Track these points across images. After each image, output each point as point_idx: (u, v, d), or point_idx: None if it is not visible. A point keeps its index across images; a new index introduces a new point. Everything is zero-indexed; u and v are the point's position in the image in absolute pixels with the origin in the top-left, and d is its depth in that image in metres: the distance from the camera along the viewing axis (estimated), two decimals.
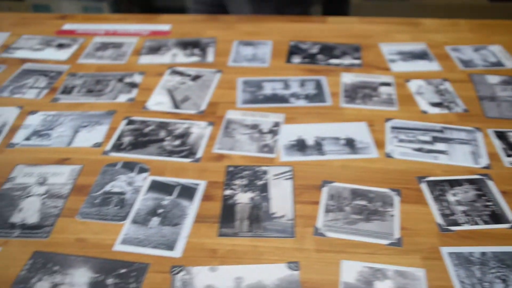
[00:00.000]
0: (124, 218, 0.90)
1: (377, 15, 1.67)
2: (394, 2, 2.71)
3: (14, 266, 0.82)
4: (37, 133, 1.11)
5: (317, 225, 0.88)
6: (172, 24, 1.58)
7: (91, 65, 1.36)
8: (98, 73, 1.32)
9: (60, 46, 1.46)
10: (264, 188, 0.96)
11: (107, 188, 0.96)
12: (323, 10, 2.58)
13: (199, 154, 1.04)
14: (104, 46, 1.45)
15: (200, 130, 1.11)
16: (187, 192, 0.95)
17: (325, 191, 0.95)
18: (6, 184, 0.97)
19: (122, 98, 1.22)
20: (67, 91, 1.25)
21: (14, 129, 1.12)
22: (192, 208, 0.92)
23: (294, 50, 1.43)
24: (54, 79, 1.30)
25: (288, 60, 1.38)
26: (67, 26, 1.57)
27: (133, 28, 1.54)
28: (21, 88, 1.27)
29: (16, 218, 0.90)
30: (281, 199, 0.94)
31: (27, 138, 1.10)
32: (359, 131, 1.10)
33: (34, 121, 1.15)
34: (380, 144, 1.06)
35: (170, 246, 0.85)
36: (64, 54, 1.41)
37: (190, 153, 1.05)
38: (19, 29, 1.56)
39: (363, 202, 0.93)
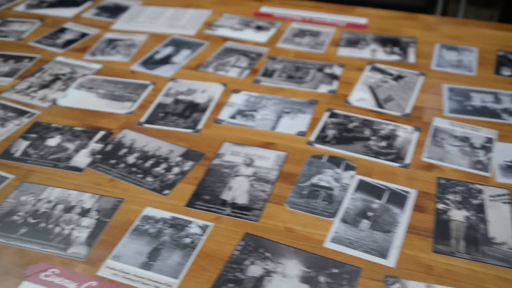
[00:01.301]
0: (333, 215, 0.87)
1: None
2: None
3: (227, 244, 0.83)
4: (241, 113, 1.12)
5: None
6: (368, 18, 1.53)
7: (290, 51, 1.36)
8: (297, 59, 1.31)
9: (259, 28, 1.46)
10: (480, 209, 0.89)
11: (314, 180, 0.94)
12: None
13: (407, 160, 0.99)
14: (301, 33, 1.43)
15: (406, 134, 1.05)
16: (397, 198, 0.91)
17: None
18: (215, 159, 0.99)
19: (323, 88, 1.19)
20: (268, 74, 1.25)
21: (219, 105, 1.14)
22: (404, 217, 0.87)
23: (503, 61, 1.32)
24: (255, 60, 1.31)
25: (497, 72, 1.27)
26: (264, 9, 1.58)
27: (329, 18, 1.52)
28: (224, 66, 1.29)
29: (226, 195, 0.91)
30: (500, 224, 0.86)
31: (232, 116, 1.11)
32: None
33: (238, 99, 1.16)
34: None
35: (383, 254, 0.81)
36: (263, 37, 1.42)
37: (398, 157, 1.00)
38: (220, 7, 1.60)
39: None
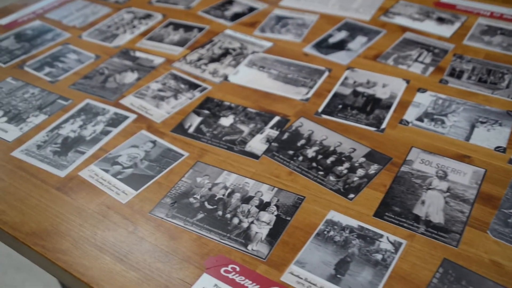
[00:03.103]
0: None
1: None
2: None
3: (423, 268, 0.73)
4: (429, 116, 1.00)
5: None
6: None
7: (480, 50, 1.21)
8: (488, 61, 1.16)
9: (440, 20, 1.32)
10: None
11: None
12: None
13: None
14: (491, 30, 1.27)
15: None
16: None
17: None
18: (403, 166, 0.88)
19: None
20: (456, 74, 1.12)
21: (403, 104, 1.03)
22: None
23: None
24: (439, 57, 1.18)
25: None
26: None
27: None
28: (405, 59, 1.17)
29: (419, 210, 0.81)
30: None
31: (420, 119, 0.99)
32: None
33: (423, 100, 1.04)
34: None
35: None
36: (447, 31, 1.28)
37: None
38: None
39: None
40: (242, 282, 0.71)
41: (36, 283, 1.84)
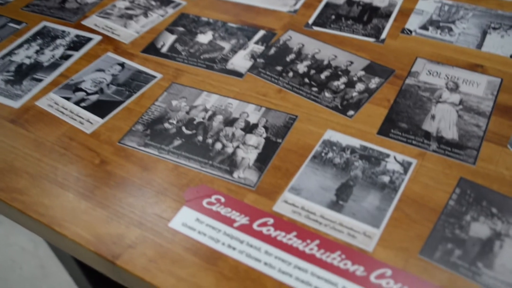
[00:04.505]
0: None
1: None
2: None
3: (437, 189, 0.62)
4: (434, 23, 0.87)
5: None
6: None
7: None
8: None
9: None
10: None
11: None
12: None
13: None
14: None
15: None
16: None
17: None
18: (409, 78, 0.77)
19: None
20: None
21: (404, 12, 0.91)
22: None
23: None
24: None
25: None
26: None
27: None
28: None
29: (429, 126, 0.70)
30: None
31: (424, 27, 0.87)
32: None
33: (427, 7, 0.92)
34: None
35: None
36: None
37: None
38: None
39: None
40: (228, 215, 0.60)
41: (21, 237, 1.74)
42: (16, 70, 0.84)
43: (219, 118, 0.72)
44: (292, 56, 0.82)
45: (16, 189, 0.67)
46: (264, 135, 0.69)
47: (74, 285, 1.32)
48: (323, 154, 0.67)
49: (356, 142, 0.68)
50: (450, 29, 0.87)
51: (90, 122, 0.74)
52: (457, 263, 0.56)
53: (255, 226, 0.59)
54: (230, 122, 0.72)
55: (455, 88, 0.76)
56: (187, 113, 0.74)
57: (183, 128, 0.71)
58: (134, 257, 0.58)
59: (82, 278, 1.17)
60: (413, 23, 0.89)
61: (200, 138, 0.70)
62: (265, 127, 0.71)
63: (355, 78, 0.78)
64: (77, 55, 0.86)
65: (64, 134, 0.74)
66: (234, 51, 0.84)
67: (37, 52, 0.88)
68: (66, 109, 0.76)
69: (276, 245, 0.57)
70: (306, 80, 0.78)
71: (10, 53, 0.88)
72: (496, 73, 0.79)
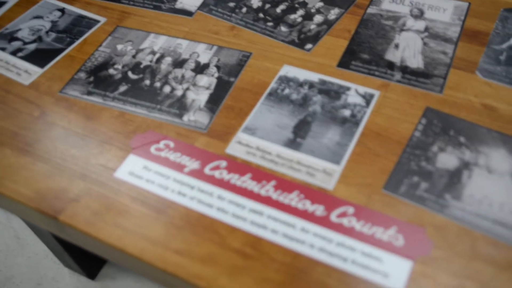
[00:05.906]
0: None
1: None
2: None
3: (402, 120, 0.58)
4: None
5: None
6: None
7: None
8: None
9: None
10: None
11: None
12: None
13: None
14: None
15: None
16: None
17: None
18: (370, 7, 0.72)
19: None
20: None
21: None
22: None
23: None
24: None
25: None
26: None
27: None
28: None
29: (393, 56, 0.65)
30: None
31: None
32: None
33: None
34: None
35: None
36: None
37: None
38: None
39: None
40: (178, 160, 0.56)
41: None
42: None
43: (168, 60, 0.67)
44: None
45: None
46: (216, 74, 0.64)
47: (51, 254, 1.27)
48: (279, 91, 0.62)
49: (314, 76, 0.63)
50: None
51: (28, 73, 0.68)
52: (424, 196, 0.52)
53: (206, 170, 0.54)
54: (179, 63, 0.66)
55: (420, 15, 0.71)
56: (133, 57, 0.68)
57: (129, 73, 0.66)
58: (77, 211, 0.54)
59: (58, 246, 1.13)
60: None
61: (147, 82, 0.65)
62: (217, 66, 0.65)
63: (313, 10, 0.72)
64: (10, 2, 0.79)
65: None
66: None
67: None
68: (1, 60, 0.70)
69: (229, 188, 0.53)
70: (261, 15, 0.72)
71: None
72: None
